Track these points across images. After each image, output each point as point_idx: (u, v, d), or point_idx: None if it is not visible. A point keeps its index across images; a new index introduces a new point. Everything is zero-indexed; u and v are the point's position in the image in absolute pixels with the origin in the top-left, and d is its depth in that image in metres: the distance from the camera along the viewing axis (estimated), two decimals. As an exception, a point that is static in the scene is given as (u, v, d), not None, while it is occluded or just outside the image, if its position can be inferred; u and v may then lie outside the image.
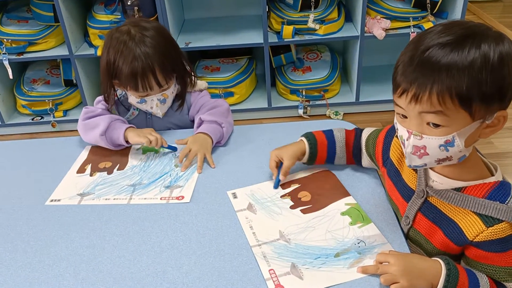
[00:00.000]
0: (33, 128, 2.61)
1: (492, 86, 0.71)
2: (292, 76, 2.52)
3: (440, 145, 0.77)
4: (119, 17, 2.30)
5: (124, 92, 1.32)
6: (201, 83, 1.40)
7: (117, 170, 1.21)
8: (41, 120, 2.59)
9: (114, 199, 1.10)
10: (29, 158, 1.28)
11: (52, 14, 2.35)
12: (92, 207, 1.07)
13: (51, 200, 1.11)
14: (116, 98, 1.32)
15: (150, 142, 1.19)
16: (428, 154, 0.78)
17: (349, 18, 2.51)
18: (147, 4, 2.24)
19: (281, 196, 1.06)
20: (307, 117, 2.51)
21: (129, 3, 2.23)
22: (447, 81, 0.71)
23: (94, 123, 1.24)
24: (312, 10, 2.33)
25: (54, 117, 2.57)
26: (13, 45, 2.38)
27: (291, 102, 2.55)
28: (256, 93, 2.66)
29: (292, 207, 1.03)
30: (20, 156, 1.30)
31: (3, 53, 2.37)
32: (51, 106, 2.55)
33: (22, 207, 1.09)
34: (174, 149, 1.25)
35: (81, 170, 1.22)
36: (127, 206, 1.07)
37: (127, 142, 1.23)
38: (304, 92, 2.50)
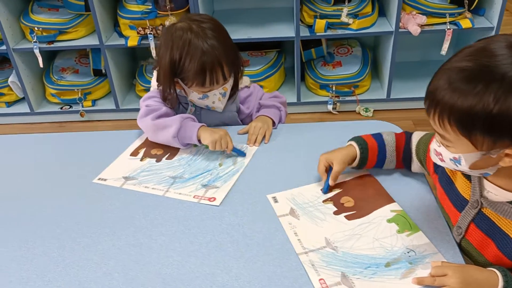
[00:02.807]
0: (62, 117, 2.63)
1: (499, 121, 0.69)
2: (322, 70, 2.49)
3: (450, 159, 0.80)
4: (150, 7, 2.29)
5: (179, 90, 1.30)
6: (245, 79, 1.39)
7: (166, 159, 1.22)
8: (70, 109, 2.60)
9: (152, 188, 1.12)
10: (88, 148, 1.30)
11: (83, 3, 2.35)
12: (131, 192, 1.10)
13: (99, 179, 1.16)
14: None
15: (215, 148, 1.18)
16: (444, 161, 0.83)
17: (382, 13, 2.45)
18: (179, -5, 2.23)
19: (323, 201, 1.05)
20: (336, 113, 2.47)
21: (161, -6, 2.22)
22: (448, 105, 0.72)
23: (164, 123, 1.22)
24: (346, 4, 2.29)
25: (82, 106, 2.58)
26: (44, 34, 2.39)
27: (320, 98, 2.52)
28: (285, 87, 2.63)
29: (335, 213, 1.01)
30: (81, 146, 1.32)
31: (34, 42, 2.38)
32: (80, 95, 2.56)
33: (72, 184, 1.15)
34: (241, 154, 1.22)
35: (134, 153, 1.26)
36: (163, 198, 1.08)
37: (199, 141, 1.21)
38: (334, 87, 2.46)
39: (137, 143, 1.30)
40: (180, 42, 1.17)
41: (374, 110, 2.49)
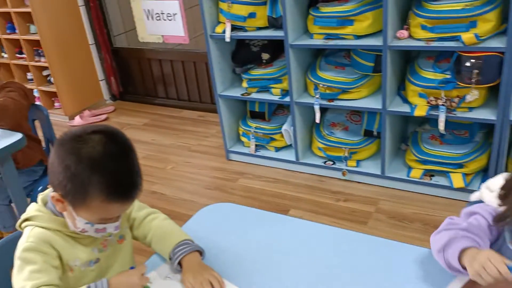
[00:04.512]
0: (323, 171, 2.61)
1: None
2: None
3: None
4: (448, 77, 2.03)
5: None
6: None
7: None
8: (333, 165, 2.56)
9: None
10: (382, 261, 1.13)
11: (372, 64, 2.27)
12: None
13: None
14: None
15: None
16: None
17: None
18: (492, 68, 1.90)
19: None
20: None
21: (468, 64, 1.93)
22: None
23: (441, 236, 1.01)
24: None
25: (346, 165, 2.51)
26: (327, 91, 2.40)
27: None
28: None
29: None
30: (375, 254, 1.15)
31: (316, 97, 2.42)
32: (346, 154, 2.49)
33: None
34: None
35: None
36: None
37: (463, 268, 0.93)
38: None
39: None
40: None
41: None
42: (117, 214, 1.06)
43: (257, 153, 2.80)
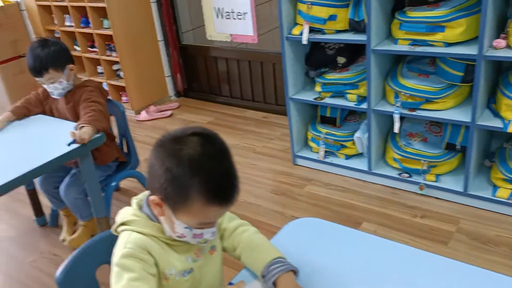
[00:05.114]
0: (398, 183, 2.48)
1: None
2: None
3: None
4: (552, 91, 1.85)
5: None
6: None
7: None
8: (408, 178, 2.43)
9: None
10: None
11: (462, 74, 2.11)
12: None
13: None
14: None
15: None
16: None
17: None
18: None
19: None
20: None
21: None
22: None
23: None
24: None
25: (424, 179, 2.36)
26: (409, 100, 2.27)
27: None
28: None
29: None
30: None
31: (396, 106, 2.29)
32: (424, 167, 2.35)
33: None
34: None
35: None
36: None
37: None
38: None
39: None
40: None
41: None
42: (215, 218, 1.03)
43: (326, 160, 2.71)
